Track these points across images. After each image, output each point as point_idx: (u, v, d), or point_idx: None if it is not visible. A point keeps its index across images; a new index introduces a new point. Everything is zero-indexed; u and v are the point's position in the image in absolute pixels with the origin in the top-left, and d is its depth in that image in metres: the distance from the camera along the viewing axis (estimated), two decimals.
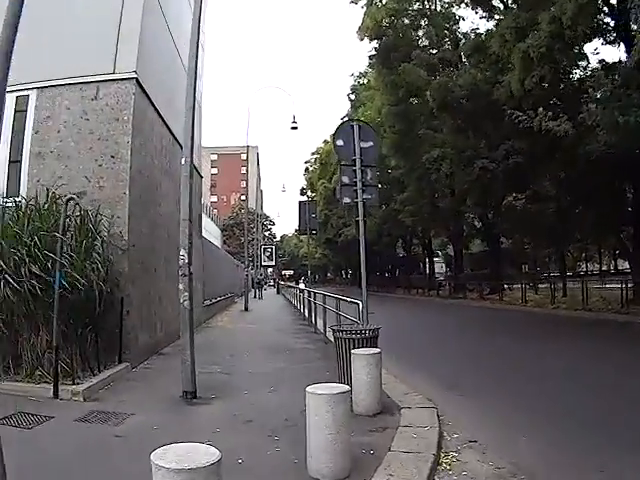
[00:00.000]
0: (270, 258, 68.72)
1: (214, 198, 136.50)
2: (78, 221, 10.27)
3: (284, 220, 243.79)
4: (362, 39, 40.97)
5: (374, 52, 42.32)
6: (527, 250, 44.98)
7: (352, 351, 7.98)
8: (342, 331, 8.81)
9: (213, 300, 26.47)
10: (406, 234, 61.42)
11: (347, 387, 5.75)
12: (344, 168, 11.09)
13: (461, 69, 32.20)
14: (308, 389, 5.62)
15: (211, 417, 7.83)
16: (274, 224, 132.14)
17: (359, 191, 10.69)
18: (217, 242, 70.81)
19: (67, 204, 9.42)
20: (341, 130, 11.46)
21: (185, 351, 9.04)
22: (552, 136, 21.21)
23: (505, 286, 37.99)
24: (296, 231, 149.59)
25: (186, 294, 9.09)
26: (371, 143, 10.93)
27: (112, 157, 11.67)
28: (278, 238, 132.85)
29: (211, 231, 69.62)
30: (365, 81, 60.92)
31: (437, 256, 62.25)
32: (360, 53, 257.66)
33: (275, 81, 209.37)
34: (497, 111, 26.46)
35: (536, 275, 39.26)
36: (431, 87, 31.68)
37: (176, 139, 16.97)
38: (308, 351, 14.28)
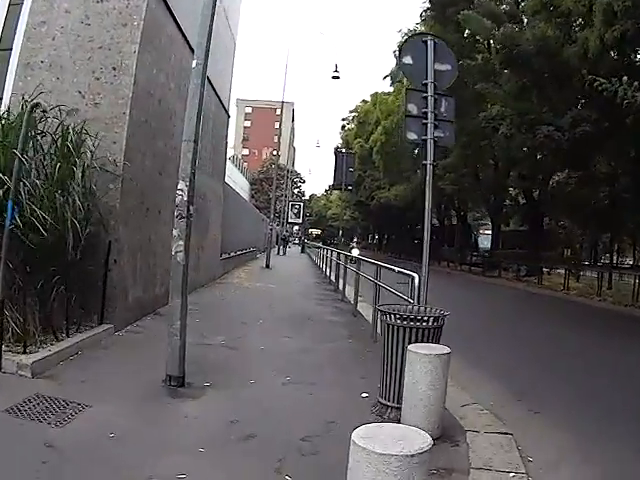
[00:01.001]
0: (297, 215, 66.89)
1: (245, 151, 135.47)
2: (57, 139, 7.93)
3: (315, 179, 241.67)
4: None
5: (428, 5, 39.29)
6: (569, 234, 42.29)
7: (408, 347, 5.56)
8: (395, 315, 6.11)
9: (232, 254, 24.23)
10: (441, 203, 58.81)
11: (427, 441, 3.11)
12: (411, 94, 8.57)
13: (528, 24, 28.95)
14: (359, 441, 2.90)
15: (195, 423, 5.48)
16: (304, 182, 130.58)
17: (429, 126, 8.08)
18: (245, 195, 69.60)
19: (32, 112, 7.07)
20: (410, 45, 8.78)
21: (174, 321, 6.69)
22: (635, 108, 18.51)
23: (543, 269, 35.41)
24: (329, 188, 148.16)
25: (181, 243, 6.79)
26: (449, 66, 8.28)
27: (113, 69, 9.32)
28: (307, 197, 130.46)
29: (239, 183, 68.68)
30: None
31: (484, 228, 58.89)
32: (410, 8, 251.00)
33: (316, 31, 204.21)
34: (565, 73, 23.78)
35: (580, 262, 36.34)
36: (496, 38, 28.77)
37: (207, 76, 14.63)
38: (334, 325, 11.87)
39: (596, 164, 28.49)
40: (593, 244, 36.79)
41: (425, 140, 8.19)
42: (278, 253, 49.36)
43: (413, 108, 8.23)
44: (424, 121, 8.09)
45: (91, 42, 9.37)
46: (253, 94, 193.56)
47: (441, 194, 50.36)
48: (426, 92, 8.04)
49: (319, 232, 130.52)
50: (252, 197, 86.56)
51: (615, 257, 36.48)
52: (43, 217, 6.98)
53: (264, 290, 17.85)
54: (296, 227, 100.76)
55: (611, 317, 19.88)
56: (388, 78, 63.05)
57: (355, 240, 29.62)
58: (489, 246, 48.91)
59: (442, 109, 8.22)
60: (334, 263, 21.48)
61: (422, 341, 5.84)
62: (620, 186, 27.12)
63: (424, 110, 8.07)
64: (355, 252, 25.78)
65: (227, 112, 20.10)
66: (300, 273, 28.27)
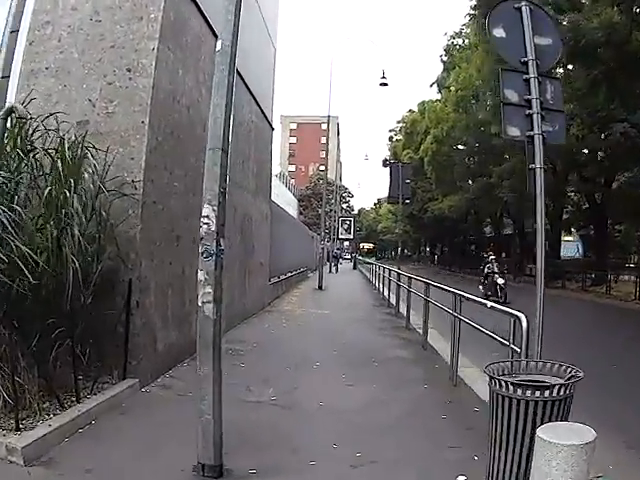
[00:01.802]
0: (348, 231, 65.50)
1: (292, 168, 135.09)
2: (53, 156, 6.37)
3: (363, 192, 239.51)
4: None
5: (475, 2, 37.19)
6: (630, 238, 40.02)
7: (538, 433, 3.74)
8: (512, 383, 4.18)
9: (282, 276, 22.61)
10: (496, 212, 56.58)
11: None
12: (508, 76, 6.52)
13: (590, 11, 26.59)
14: None
15: None
16: (353, 196, 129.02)
17: (536, 117, 6.13)
18: (293, 212, 68.36)
19: (6, 119, 5.52)
20: (501, 13, 6.62)
21: (203, 396, 4.93)
22: None
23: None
24: (378, 201, 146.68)
25: (209, 290, 5.00)
26: (550, 40, 6.38)
27: (128, 70, 7.83)
28: (356, 211, 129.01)
29: (287, 200, 67.49)
30: (460, 41, 55.87)
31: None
32: (454, 11, 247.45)
33: (361, 40, 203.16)
34: (637, 63, 21.73)
35: None
36: (560, 28, 26.78)
37: (242, 79, 13.21)
38: (403, 364, 10.04)
39: None
40: None
41: (531, 137, 6.28)
42: (330, 271, 47.80)
43: (512, 95, 6.26)
44: (528, 111, 6.19)
45: (102, 41, 7.92)
46: (297, 110, 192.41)
47: (496, 203, 48.41)
48: (527, 73, 6.18)
49: (371, 246, 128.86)
50: (300, 214, 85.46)
51: None
52: (29, 255, 5.38)
53: (318, 318, 16.10)
54: (347, 242, 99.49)
55: None
56: (435, 85, 61.35)
57: (496, 265, 27.75)
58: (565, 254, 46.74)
59: (548, 95, 6.32)
60: (393, 283, 19.80)
61: (549, 418, 4.07)
62: None
63: (527, 97, 6.18)
64: (500, 281, 23.41)
65: (271, 124, 18.54)
66: (355, 294, 26.39)
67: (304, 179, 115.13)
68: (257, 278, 16.11)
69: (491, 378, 4.38)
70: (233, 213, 12.82)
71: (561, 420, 4.13)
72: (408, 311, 14.92)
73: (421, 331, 12.40)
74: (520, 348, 5.69)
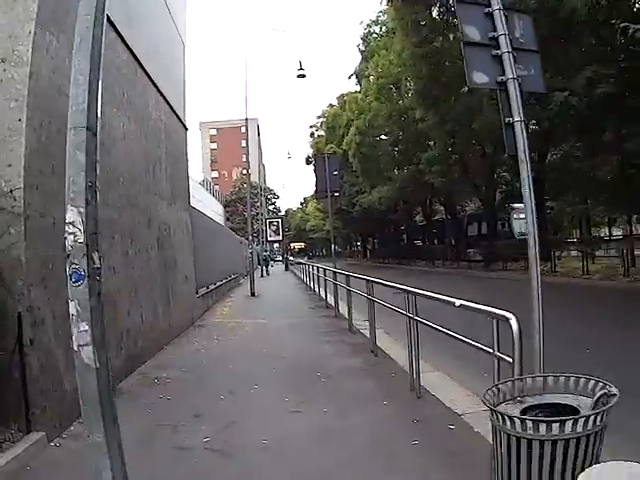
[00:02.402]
0: (277, 232, 64.15)
1: (215, 174, 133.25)
2: None
3: (288, 193, 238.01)
4: None
5: None
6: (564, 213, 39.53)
7: None
8: (525, 420, 2.94)
9: (211, 287, 21.20)
10: (426, 199, 56.04)
11: None
12: (466, 10, 5.22)
13: None
14: None
15: None
16: (278, 197, 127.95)
17: (507, 58, 4.86)
18: (219, 218, 66.80)
19: None
20: None
21: (101, 471, 3.52)
22: None
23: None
24: (304, 200, 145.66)
25: (85, 328, 3.49)
26: None
27: (2, 61, 6.35)
28: (283, 212, 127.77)
29: (213, 207, 65.88)
30: (377, 29, 55.20)
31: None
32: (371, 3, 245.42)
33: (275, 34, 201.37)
34: (572, 29, 21.05)
35: (595, 241, 33.13)
36: None
37: (144, 69, 11.89)
38: (355, 376, 8.73)
39: (604, 131, 25.53)
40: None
41: (503, 83, 5.03)
42: (262, 275, 46.48)
43: (473, 32, 5.02)
44: (496, 52, 4.96)
45: None
46: (217, 115, 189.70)
47: (426, 190, 47.76)
48: (489, 5, 4.93)
49: (302, 246, 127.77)
50: (227, 220, 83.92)
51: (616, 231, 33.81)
52: None
53: (253, 329, 14.69)
54: (277, 244, 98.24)
55: None
56: (354, 77, 60.56)
57: None
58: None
59: (517, 33, 5.10)
60: (329, 283, 18.65)
61: (583, 459, 2.89)
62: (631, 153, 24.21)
63: (492, 35, 4.97)
64: None
65: (184, 124, 17.15)
66: (290, 297, 24.98)
67: (228, 184, 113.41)
68: (183, 293, 14.73)
69: (493, 412, 3.15)
70: (147, 224, 11.47)
71: (595, 458, 2.96)
72: (350, 312, 13.65)
73: (368, 334, 11.25)
74: (512, 358, 4.48)
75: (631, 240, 27.79)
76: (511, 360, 4.54)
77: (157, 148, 12.96)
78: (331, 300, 17.95)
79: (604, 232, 49.11)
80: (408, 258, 59.25)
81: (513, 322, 4.52)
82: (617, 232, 54.07)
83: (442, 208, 56.79)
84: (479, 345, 5.33)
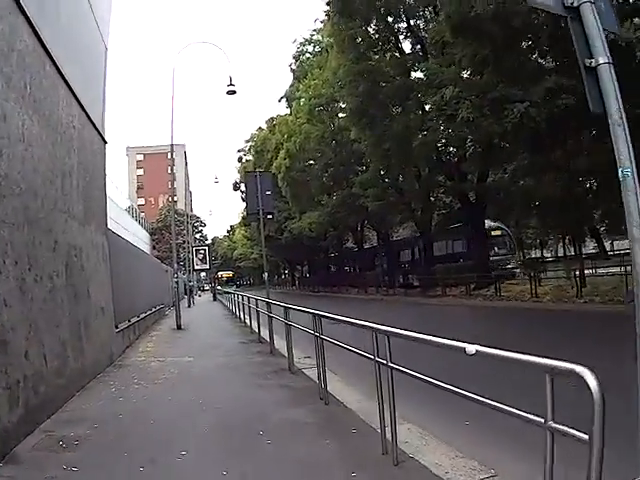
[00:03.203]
0: (203, 261, 62.10)
1: (141, 201, 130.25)
2: None
3: (215, 221, 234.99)
4: None
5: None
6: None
7: None
8: None
9: (133, 320, 19.18)
10: (357, 225, 54.82)
11: None
12: None
13: None
14: None
15: None
16: (205, 225, 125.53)
17: None
18: (146, 247, 64.62)
19: None
20: None
21: None
22: None
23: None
24: (231, 228, 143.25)
25: None
26: None
27: None
28: (210, 240, 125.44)
29: (139, 235, 63.74)
30: (311, 48, 54.14)
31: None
32: (301, 19, 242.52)
33: (204, 52, 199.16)
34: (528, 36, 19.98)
35: (537, 264, 32.03)
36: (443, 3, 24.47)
37: (54, 64, 10.12)
38: (306, 433, 6.95)
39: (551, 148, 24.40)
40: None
41: (575, 8, 3.46)
42: (188, 305, 44.47)
43: None
44: None
45: None
46: (143, 140, 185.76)
47: (358, 214, 46.49)
48: None
49: (230, 274, 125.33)
50: (154, 248, 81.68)
51: (573, 250, 32.90)
52: None
53: (179, 370, 12.64)
54: (203, 273, 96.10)
55: (617, 320, 15.77)
56: (284, 100, 59.31)
57: None
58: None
59: None
60: (262, 314, 16.91)
61: None
62: (580, 172, 23.26)
63: None
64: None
65: (102, 137, 15.24)
66: (219, 330, 22.98)
67: (155, 212, 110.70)
68: (98, 327, 12.71)
69: None
70: (52, 246, 9.55)
71: None
72: (289, 349, 11.78)
73: (312, 375, 9.58)
74: (589, 433, 2.85)
75: (580, 260, 26.85)
76: (586, 436, 2.90)
77: (67, 158, 11.06)
78: (265, 334, 16.26)
79: (538, 254, 48.78)
80: (339, 286, 57.91)
81: (590, 379, 2.89)
82: (547, 254, 53.95)
83: (373, 234, 55.85)
84: (522, 414, 3.61)
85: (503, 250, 37.73)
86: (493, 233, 36.38)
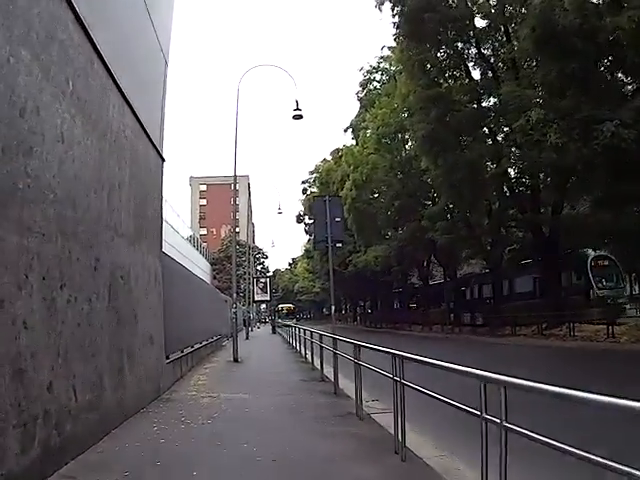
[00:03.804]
0: (264, 292, 61.24)
1: (204, 231, 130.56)
2: None
3: (277, 253, 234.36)
4: (382, 3, 33.02)
5: (398, 22, 33.52)
6: None
7: None
8: None
9: (187, 350, 18.06)
10: (423, 260, 53.20)
11: None
12: None
13: None
14: None
15: None
16: (267, 257, 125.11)
17: None
18: (206, 276, 64.06)
19: None
20: None
21: None
22: None
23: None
24: (296, 260, 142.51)
25: None
26: None
27: None
28: (271, 273, 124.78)
29: (200, 264, 63.26)
30: (378, 76, 53.24)
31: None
32: (365, 49, 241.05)
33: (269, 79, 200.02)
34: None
35: (617, 306, 29.94)
36: (530, 13, 23.08)
37: (104, 63, 9.16)
38: None
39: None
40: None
41: None
42: (247, 337, 43.49)
43: None
44: None
45: None
46: (207, 170, 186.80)
47: (427, 248, 45.03)
48: None
49: (291, 307, 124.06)
50: (214, 278, 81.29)
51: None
52: None
53: (233, 407, 11.34)
54: (263, 305, 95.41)
55: None
56: (349, 130, 58.41)
57: None
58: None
59: None
60: (326, 350, 15.49)
61: None
62: None
63: None
64: None
65: (160, 154, 14.23)
66: (278, 365, 21.63)
67: (217, 242, 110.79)
68: (144, 357, 11.54)
69: None
70: (93, 264, 8.43)
71: None
72: (358, 394, 10.20)
73: (385, 423, 8.32)
74: None
75: None
76: None
77: (117, 169, 9.98)
78: (328, 372, 14.91)
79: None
80: (402, 322, 56.30)
81: None
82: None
83: (438, 270, 54.31)
84: None
85: (610, 283, 34.04)
86: (599, 263, 33.34)
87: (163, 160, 14.71)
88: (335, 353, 13.23)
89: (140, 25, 12.31)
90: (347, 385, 12.89)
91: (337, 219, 18.41)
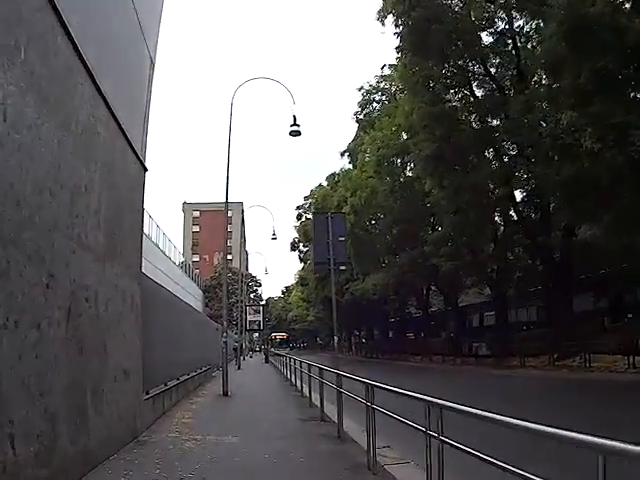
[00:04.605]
0: (257, 322, 59.55)
1: (196, 257, 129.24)
2: None
3: (270, 281, 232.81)
4: (385, 16, 31.68)
5: (401, 35, 32.03)
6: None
7: None
8: None
9: (171, 383, 16.28)
10: (422, 288, 51.46)
11: None
12: None
13: None
14: None
15: None
16: (260, 285, 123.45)
17: None
18: (198, 304, 62.46)
19: None
20: None
21: None
22: None
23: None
24: (286, 290, 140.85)
25: None
26: None
27: None
28: (264, 301, 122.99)
29: (192, 291, 61.73)
30: (377, 97, 51.82)
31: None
32: (366, 69, 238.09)
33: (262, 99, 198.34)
34: None
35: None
36: (558, 4, 21.54)
37: (71, 39, 7.53)
38: None
39: None
40: None
41: None
42: (239, 367, 41.54)
43: None
44: None
45: None
46: (200, 196, 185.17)
47: (428, 276, 43.41)
48: None
49: (284, 336, 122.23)
50: (206, 305, 79.72)
51: None
52: None
53: (219, 454, 9.50)
54: (256, 334, 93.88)
55: None
56: (346, 155, 57.06)
57: None
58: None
59: None
60: (325, 385, 13.61)
61: None
62: None
63: None
64: None
65: (141, 161, 12.52)
66: (271, 400, 19.59)
67: (209, 269, 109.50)
68: (116, 394, 9.70)
69: None
70: (44, 281, 6.76)
71: None
72: (371, 440, 8.31)
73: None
74: None
75: None
76: None
77: (83, 170, 8.29)
78: (329, 411, 13.18)
79: None
80: (399, 353, 54.47)
81: None
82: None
83: (436, 299, 52.68)
84: None
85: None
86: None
87: (145, 169, 13.00)
88: (339, 391, 11.39)
89: (120, 6, 10.72)
90: (350, 426, 11.32)
91: (340, 238, 16.50)
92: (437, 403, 5.49)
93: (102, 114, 9.29)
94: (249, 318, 58.51)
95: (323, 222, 16.98)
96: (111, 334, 9.56)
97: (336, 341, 19.19)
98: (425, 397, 5.81)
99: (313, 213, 43.35)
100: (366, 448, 8.45)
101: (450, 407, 5.32)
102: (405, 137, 41.41)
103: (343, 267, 17.53)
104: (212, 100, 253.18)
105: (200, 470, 8.45)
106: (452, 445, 5.20)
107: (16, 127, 5.94)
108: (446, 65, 32.53)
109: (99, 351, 8.86)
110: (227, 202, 24.50)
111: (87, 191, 8.42)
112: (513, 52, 32.05)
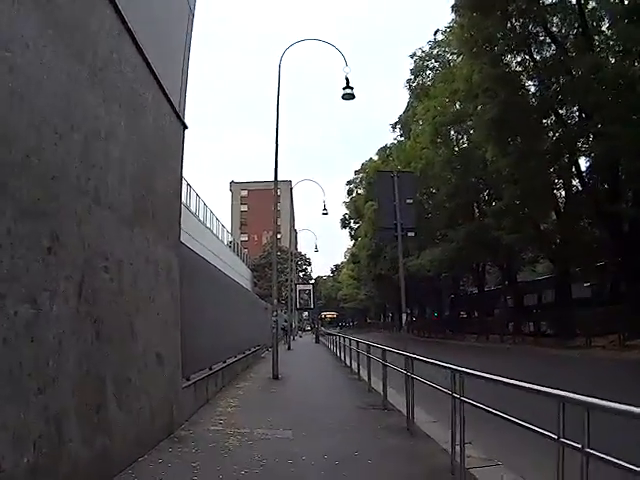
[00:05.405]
0: (307, 301, 58.31)
1: (244, 237, 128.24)
2: None
3: (319, 260, 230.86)
4: None
5: None
6: None
7: None
8: None
9: (216, 367, 14.86)
10: (478, 265, 49.51)
11: None
12: None
13: None
14: None
15: None
16: (310, 263, 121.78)
17: None
18: (247, 283, 61.50)
19: None
20: None
21: None
22: None
23: None
24: (335, 268, 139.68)
25: None
26: None
27: None
28: (313, 280, 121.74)
29: (240, 271, 60.74)
30: (430, 64, 49.64)
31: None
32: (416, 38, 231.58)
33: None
34: None
35: None
36: None
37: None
38: None
39: None
40: None
41: None
42: (289, 348, 40.48)
43: None
44: None
45: None
46: (248, 175, 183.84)
47: (486, 250, 41.39)
48: None
49: (334, 315, 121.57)
50: (255, 285, 78.68)
51: None
52: None
53: (268, 456, 7.87)
54: (305, 313, 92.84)
55: None
56: (397, 127, 55.20)
57: None
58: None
59: None
60: (390, 370, 11.99)
61: None
62: None
63: None
64: None
65: (178, 115, 10.98)
66: (326, 385, 17.80)
67: (258, 248, 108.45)
68: (147, 383, 8.22)
69: None
70: (45, 244, 5.33)
71: None
72: (458, 438, 6.63)
73: None
74: None
75: None
76: None
77: (102, 111, 6.80)
78: (394, 398, 11.89)
79: None
80: (454, 331, 52.69)
81: None
82: None
83: (490, 277, 50.72)
84: None
85: None
86: None
87: (185, 127, 11.48)
88: (410, 377, 9.75)
89: None
90: (419, 417, 9.97)
91: (408, 200, 14.64)
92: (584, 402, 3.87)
93: (128, 52, 7.80)
94: (299, 287, 57.38)
95: (387, 183, 15.07)
96: (141, 312, 8.07)
97: (404, 319, 17.30)
98: (552, 390, 4.24)
99: (376, 170, 41.61)
100: (443, 447, 6.97)
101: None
102: (459, 107, 39.71)
103: (412, 234, 15.51)
104: (253, 72, 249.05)
105: (244, 475, 6.93)
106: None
107: (8, 45, 4.51)
108: (508, 24, 30.44)
109: (124, 333, 7.38)
110: (276, 180, 22.75)
111: (107, 138, 6.92)
112: (576, 7, 29.93)
